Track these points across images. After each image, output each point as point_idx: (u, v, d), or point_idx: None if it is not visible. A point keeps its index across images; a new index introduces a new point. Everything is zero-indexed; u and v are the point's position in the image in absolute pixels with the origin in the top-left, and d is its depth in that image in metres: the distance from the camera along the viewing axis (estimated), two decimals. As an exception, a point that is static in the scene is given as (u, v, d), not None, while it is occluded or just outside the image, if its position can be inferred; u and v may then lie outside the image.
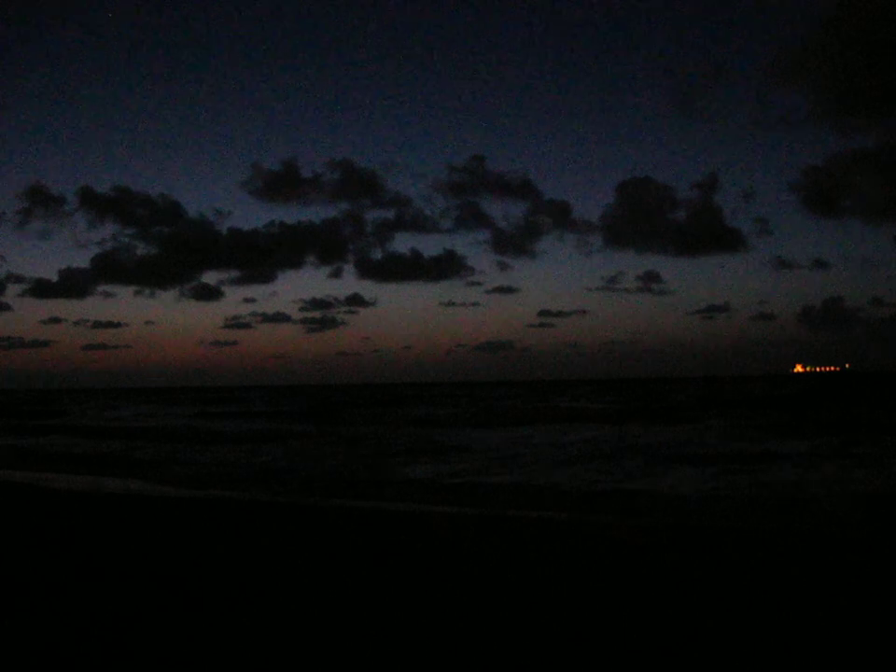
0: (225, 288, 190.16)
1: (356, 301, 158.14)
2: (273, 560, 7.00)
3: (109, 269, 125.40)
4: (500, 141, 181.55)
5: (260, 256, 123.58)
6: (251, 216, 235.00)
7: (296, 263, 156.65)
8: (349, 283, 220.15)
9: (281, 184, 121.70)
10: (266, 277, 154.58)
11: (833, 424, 28.67)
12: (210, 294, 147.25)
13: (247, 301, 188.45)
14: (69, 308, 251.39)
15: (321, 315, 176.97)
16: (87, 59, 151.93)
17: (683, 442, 23.40)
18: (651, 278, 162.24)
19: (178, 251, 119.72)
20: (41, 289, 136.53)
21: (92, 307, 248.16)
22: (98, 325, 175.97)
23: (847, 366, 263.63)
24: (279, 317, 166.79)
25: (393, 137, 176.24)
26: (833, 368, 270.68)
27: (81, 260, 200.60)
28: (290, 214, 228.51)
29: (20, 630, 4.66)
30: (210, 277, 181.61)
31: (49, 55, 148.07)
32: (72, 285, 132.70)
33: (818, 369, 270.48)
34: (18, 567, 6.61)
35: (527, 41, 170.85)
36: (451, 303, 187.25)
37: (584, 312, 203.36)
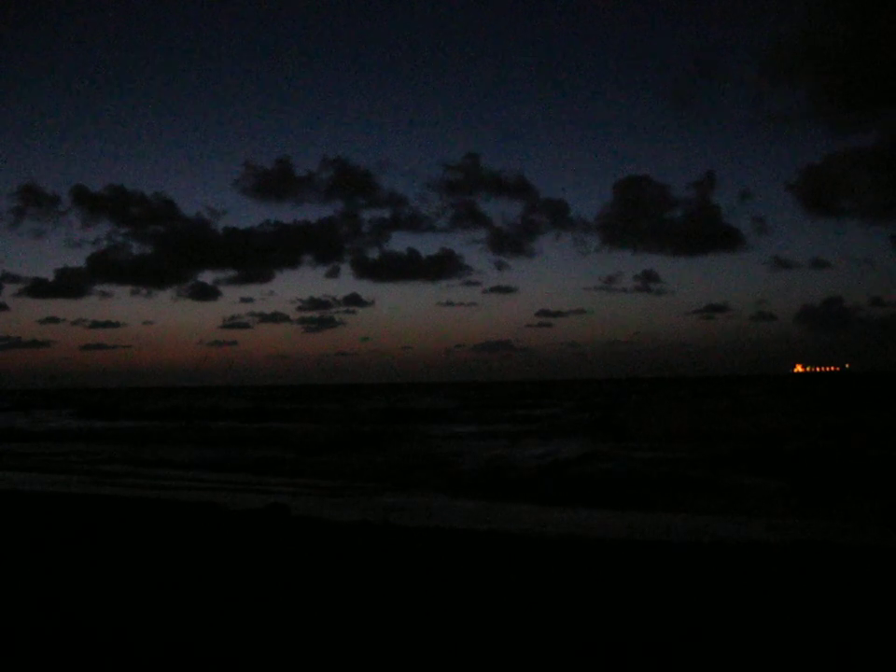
0: (222, 288, 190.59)
1: (354, 300, 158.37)
2: None
3: (105, 268, 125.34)
4: (495, 139, 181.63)
5: (257, 255, 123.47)
6: (245, 214, 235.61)
7: (293, 263, 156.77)
8: (347, 282, 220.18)
9: (274, 182, 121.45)
10: (263, 277, 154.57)
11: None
12: (207, 294, 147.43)
13: (245, 300, 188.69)
14: (67, 308, 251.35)
15: (319, 314, 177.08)
16: (81, 58, 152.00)
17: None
18: (649, 278, 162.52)
19: (174, 250, 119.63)
20: (38, 289, 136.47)
21: (90, 307, 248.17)
22: (96, 325, 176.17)
23: (846, 366, 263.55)
24: (277, 317, 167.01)
25: (386, 135, 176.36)
26: (833, 368, 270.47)
27: (76, 260, 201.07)
28: (284, 212, 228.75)
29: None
30: (207, 277, 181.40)
31: (42, 54, 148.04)
32: (69, 284, 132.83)
33: (817, 369, 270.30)
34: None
35: (522, 39, 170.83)
36: (449, 303, 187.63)
37: (583, 311, 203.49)
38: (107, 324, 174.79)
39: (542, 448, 23.89)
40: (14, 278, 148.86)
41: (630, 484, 15.03)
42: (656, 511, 12.52)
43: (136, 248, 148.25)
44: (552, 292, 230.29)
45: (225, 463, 21.82)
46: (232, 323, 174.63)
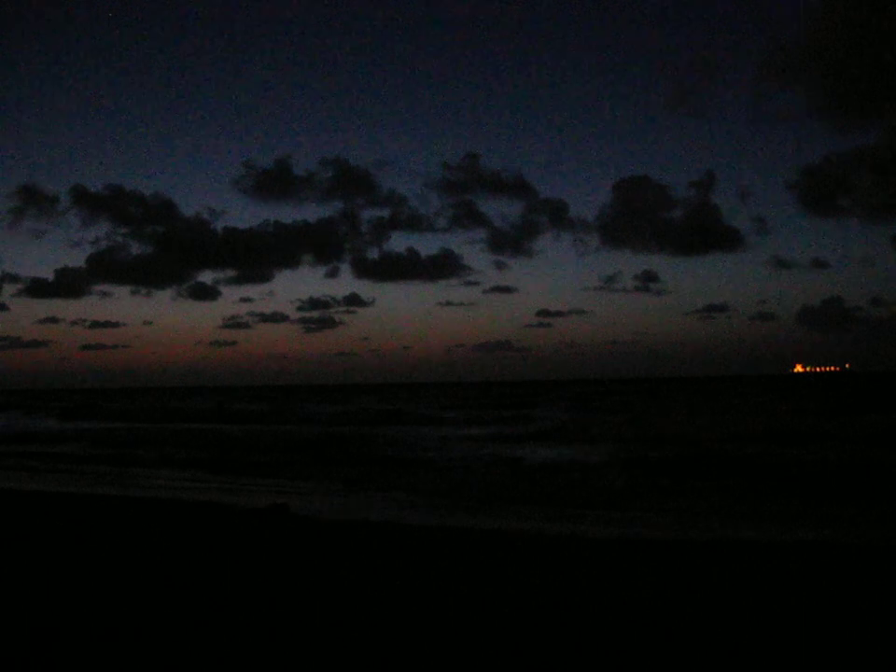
0: (222, 288, 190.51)
1: (353, 300, 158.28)
2: None
3: (105, 268, 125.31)
4: (494, 139, 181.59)
5: (256, 255, 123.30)
6: (244, 214, 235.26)
7: (292, 263, 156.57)
8: (346, 282, 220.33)
9: (274, 182, 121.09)
10: (263, 277, 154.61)
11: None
12: (207, 294, 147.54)
13: (244, 300, 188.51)
14: (66, 308, 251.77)
15: (319, 314, 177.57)
16: (79, 57, 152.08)
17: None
18: (648, 278, 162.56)
19: (173, 250, 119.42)
20: (37, 289, 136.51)
21: (89, 307, 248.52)
22: (96, 325, 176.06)
23: (847, 366, 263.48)
24: (277, 317, 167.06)
25: (385, 134, 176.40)
26: (833, 368, 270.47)
27: (76, 260, 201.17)
28: (283, 212, 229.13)
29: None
30: (206, 277, 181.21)
31: (41, 54, 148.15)
32: (68, 284, 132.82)
33: (817, 369, 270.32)
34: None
35: (521, 38, 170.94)
36: (449, 303, 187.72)
37: (583, 312, 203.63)
38: (107, 324, 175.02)
39: (519, 452, 24.03)
40: (13, 278, 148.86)
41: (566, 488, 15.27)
42: (568, 509, 12.83)
43: (136, 248, 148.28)
44: (551, 292, 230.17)
45: (210, 464, 21.94)
46: (232, 323, 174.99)
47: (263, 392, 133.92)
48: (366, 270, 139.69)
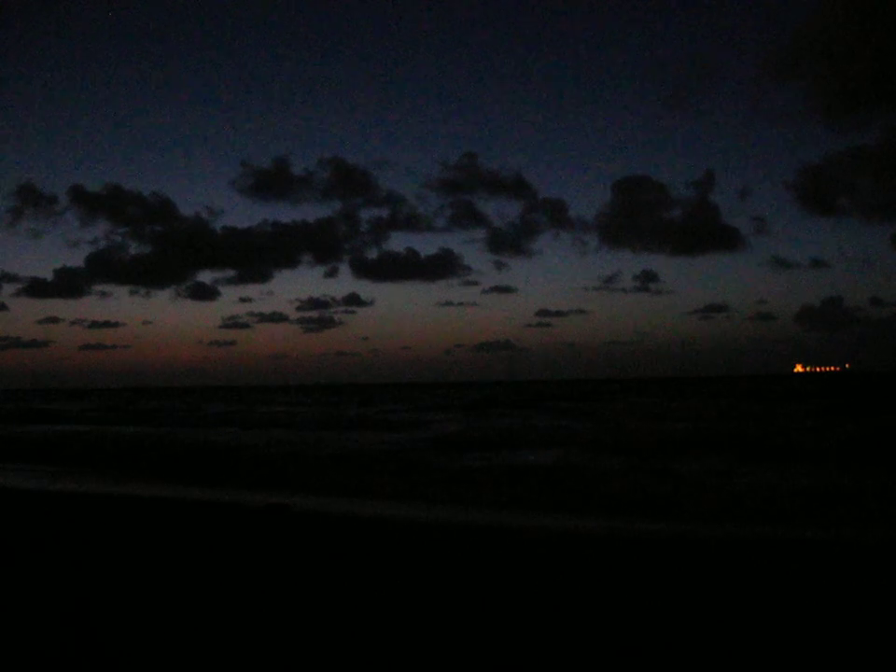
0: (221, 288, 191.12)
1: (353, 300, 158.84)
2: None
3: (104, 268, 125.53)
4: (493, 138, 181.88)
5: (256, 255, 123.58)
6: (243, 214, 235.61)
7: (291, 262, 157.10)
8: (346, 282, 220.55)
9: (272, 182, 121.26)
10: (262, 277, 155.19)
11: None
12: (206, 293, 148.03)
13: (244, 300, 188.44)
14: (65, 308, 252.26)
15: (318, 314, 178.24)
16: (78, 57, 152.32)
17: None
18: (648, 278, 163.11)
19: (172, 250, 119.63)
20: (37, 289, 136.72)
21: (89, 307, 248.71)
22: (95, 325, 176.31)
23: (846, 366, 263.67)
24: (276, 317, 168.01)
25: (384, 134, 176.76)
26: (833, 368, 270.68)
27: (75, 259, 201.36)
28: (282, 212, 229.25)
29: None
30: (205, 277, 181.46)
31: (39, 54, 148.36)
32: (67, 284, 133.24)
33: (818, 369, 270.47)
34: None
35: (520, 38, 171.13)
36: (448, 303, 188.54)
37: (582, 311, 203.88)
38: (106, 324, 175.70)
39: (514, 454, 23.89)
40: (13, 278, 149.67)
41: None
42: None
43: (135, 248, 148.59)
44: (551, 292, 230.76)
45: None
46: (231, 323, 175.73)
47: (261, 392, 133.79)
48: (365, 270, 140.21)
